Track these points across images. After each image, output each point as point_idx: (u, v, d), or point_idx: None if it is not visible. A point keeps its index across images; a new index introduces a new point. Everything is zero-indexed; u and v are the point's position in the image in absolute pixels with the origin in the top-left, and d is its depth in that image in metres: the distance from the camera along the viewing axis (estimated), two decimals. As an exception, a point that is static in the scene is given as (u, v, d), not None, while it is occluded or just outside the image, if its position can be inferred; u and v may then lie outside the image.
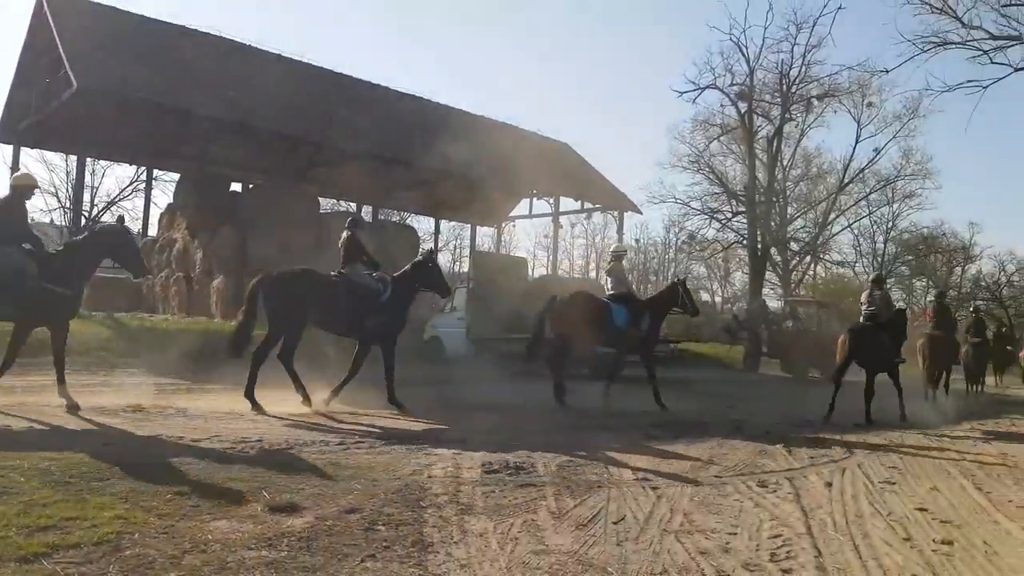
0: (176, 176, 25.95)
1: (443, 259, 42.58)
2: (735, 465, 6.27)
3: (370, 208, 27.41)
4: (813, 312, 24.57)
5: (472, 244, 30.48)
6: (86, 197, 34.22)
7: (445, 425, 7.85)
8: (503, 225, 32.55)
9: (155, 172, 28.35)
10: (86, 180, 31.96)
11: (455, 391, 11.30)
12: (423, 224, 37.95)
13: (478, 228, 31.72)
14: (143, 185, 30.61)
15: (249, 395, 8.34)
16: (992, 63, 11.33)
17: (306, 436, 6.62)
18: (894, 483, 5.87)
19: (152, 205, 26.88)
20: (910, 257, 41.25)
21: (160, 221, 24.35)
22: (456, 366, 15.86)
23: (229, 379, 9.26)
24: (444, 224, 40.43)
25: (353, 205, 27.74)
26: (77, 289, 8.07)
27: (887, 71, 12.74)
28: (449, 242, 44.69)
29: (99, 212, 36.29)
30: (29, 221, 8.46)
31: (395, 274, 9.53)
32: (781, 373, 23.36)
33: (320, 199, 25.76)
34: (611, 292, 11.15)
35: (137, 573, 3.18)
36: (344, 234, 9.56)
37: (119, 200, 36.90)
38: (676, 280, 12.15)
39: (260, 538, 3.67)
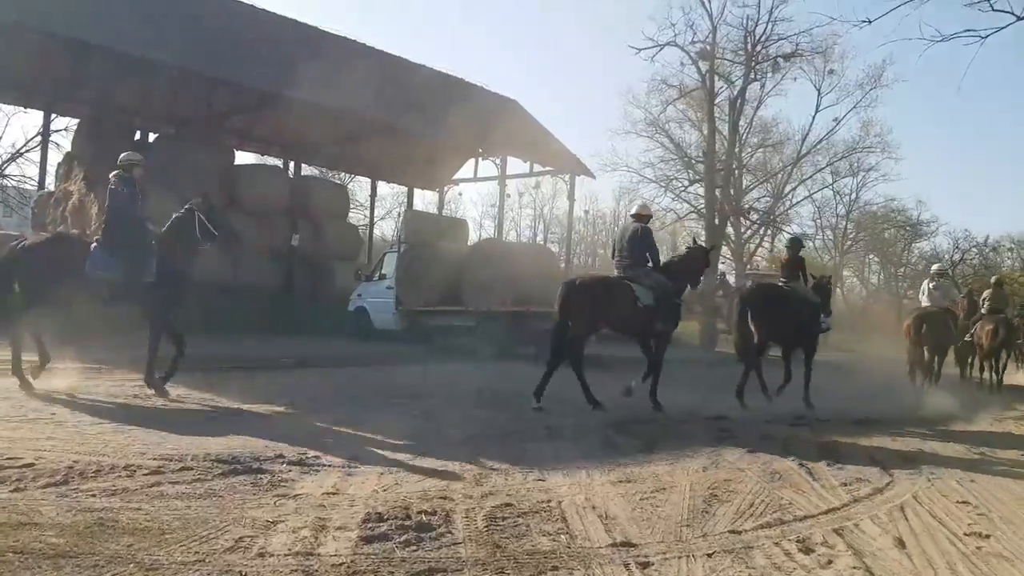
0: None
1: (386, 227, 40.04)
2: (751, 506, 4.27)
3: (292, 164, 24.65)
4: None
5: (409, 207, 28.00)
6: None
7: (341, 427, 5.73)
8: (446, 189, 30.13)
9: (58, 120, 25.11)
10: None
11: (373, 375, 9.14)
12: (361, 187, 35.42)
13: (421, 193, 29.25)
14: (53, 134, 27.38)
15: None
16: (993, 10, 9.79)
17: (99, 456, 4.36)
18: (987, 535, 3.96)
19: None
20: (863, 234, 40.49)
21: (57, 172, 21.44)
22: (383, 343, 13.69)
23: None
24: (385, 188, 37.83)
25: (278, 160, 24.93)
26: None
27: (869, 21, 10.87)
28: (392, 209, 42.05)
29: (3, 163, 32.62)
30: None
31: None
32: (738, 351, 21.96)
33: (237, 152, 23.05)
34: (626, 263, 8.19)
35: None
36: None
37: (25, 151, 33.17)
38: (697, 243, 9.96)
39: None
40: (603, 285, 7.98)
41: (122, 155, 7.78)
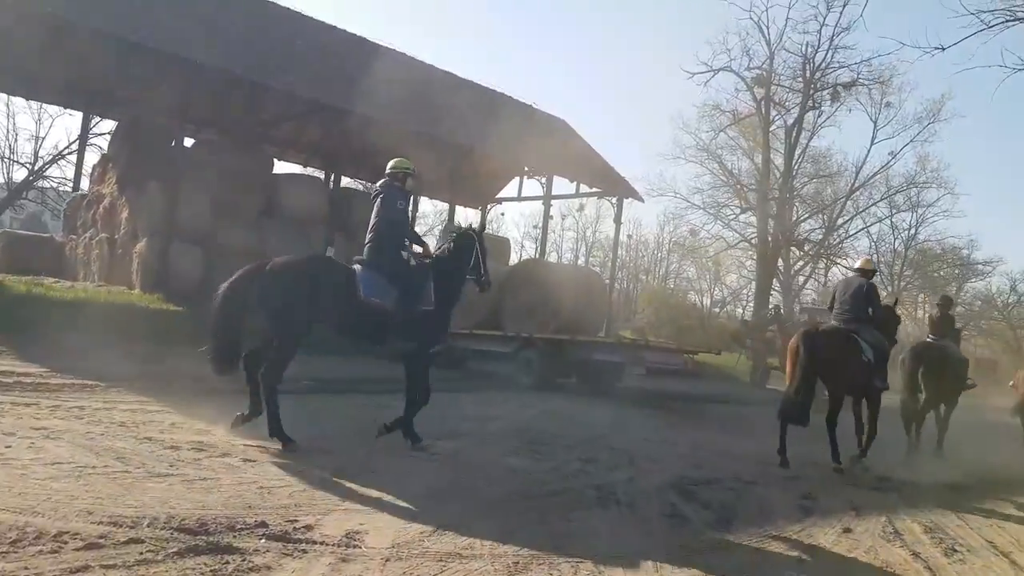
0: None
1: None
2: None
3: (332, 176, 24.04)
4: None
5: (450, 223, 27.17)
6: (28, 148, 30.70)
7: (345, 480, 4.72)
8: (489, 207, 29.30)
9: (102, 124, 24.98)
10: (31, 129, 28.42)
11: (396, 405, 8.14)
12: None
13: (463, 211, 28.48)
14: (94, 137, 27.36)
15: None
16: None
17: (30, 515, 3.38)
18: None
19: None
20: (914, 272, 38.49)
21: (92, 174, 21.12)
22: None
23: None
24: (428, 206, 37.19)
25: (320, 172, 24.36)
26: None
27: (942, 48, 9.87)
28: (434, 227, 41.39)
29: (44, 165, 32.81)
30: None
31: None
32: (792, 390, 20.57)
33: (279, 161, 22.55)
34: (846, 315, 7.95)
35: None
36: None
37: (68, 153, 33.32)
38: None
39: None
40: (844, 336, 7.66)
41: (393, 161, 6.63)
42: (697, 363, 17.25)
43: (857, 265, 8.64)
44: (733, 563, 3.93)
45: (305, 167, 25.11)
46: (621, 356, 12.79)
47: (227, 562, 3.10)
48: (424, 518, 4.04)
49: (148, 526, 3.42)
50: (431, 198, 29.07)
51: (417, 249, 6.56)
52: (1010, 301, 38.12)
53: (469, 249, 6.48)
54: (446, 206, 27.98)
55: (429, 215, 40.11)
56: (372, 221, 6.35)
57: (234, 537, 3.40)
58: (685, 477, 6.27)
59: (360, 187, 26.09)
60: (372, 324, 6.04)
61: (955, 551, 4.78)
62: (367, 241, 6.36)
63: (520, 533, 3.95)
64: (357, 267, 6.15)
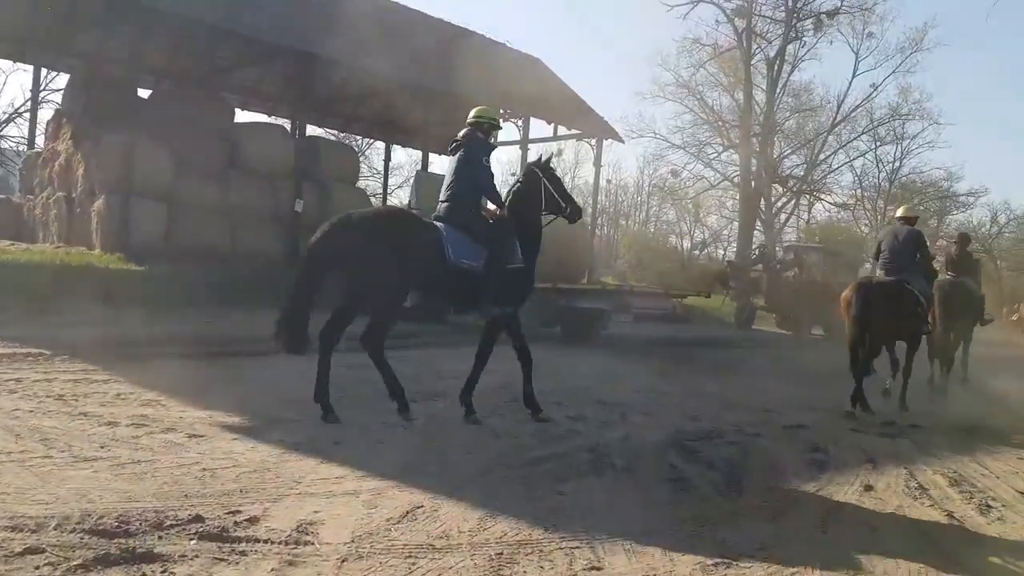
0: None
1: (403, 196, 38.34)
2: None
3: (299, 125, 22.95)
4: (818, 260, 21.41)
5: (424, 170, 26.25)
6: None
7: (306, 454, 4.14)
8: (465, 153, 28.35)
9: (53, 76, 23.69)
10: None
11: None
12: (378, 154, 33.81)
13: (439, 159, 27.41)
14: (52, 93, 26.02)
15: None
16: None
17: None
18: None
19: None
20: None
21: (47, 130, 19.99)
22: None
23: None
24: (402, 156, 36.16)
25: (286, 121, 23.26)
26: None
27: None
28: (409, 177, 40.27)
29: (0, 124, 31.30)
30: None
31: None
32: (778, 330, 20.35)
33: (243, 110, 21.51)
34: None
35: None
36: None
37: (24, 111, 31.78)
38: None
39: None
40: (896, 287, 7.59)
41: (477, 109, 5.96)
42: (685, 307, 16.81)
43: (899, 213, 8.49)
44: (750, 538, 3.42)
45: (270, 116, 24.01)
46: (607, 303, 12.27)
47: (143, 575, 2.52)
48: (393, 500, 3.47)
49: (55, 528, 2.82)
50: (404, 146, 28.08)
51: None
52: (992, 232, 38.04)
53: (536, 188, 5.85)
54: (419, 154, 26.93)
55: (405, 166, 39.00)
56: (449, 178, 5.71)
57: (159, 538, 2.81)
58: (683, 432, 5.78)
59: (330, 136, 25.05)
60: (462, 289, 5.50)
61: (990, 507, 4.33)
62: (444, 199, 5.71)
63: (505, 513, 3.40)
64: (440, 226, 5.49)
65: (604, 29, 64.49)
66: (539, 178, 5.89)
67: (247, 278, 14.76)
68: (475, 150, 5.68)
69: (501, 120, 23.04)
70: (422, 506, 3.39)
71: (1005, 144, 55.98)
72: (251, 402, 5.21)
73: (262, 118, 23.17)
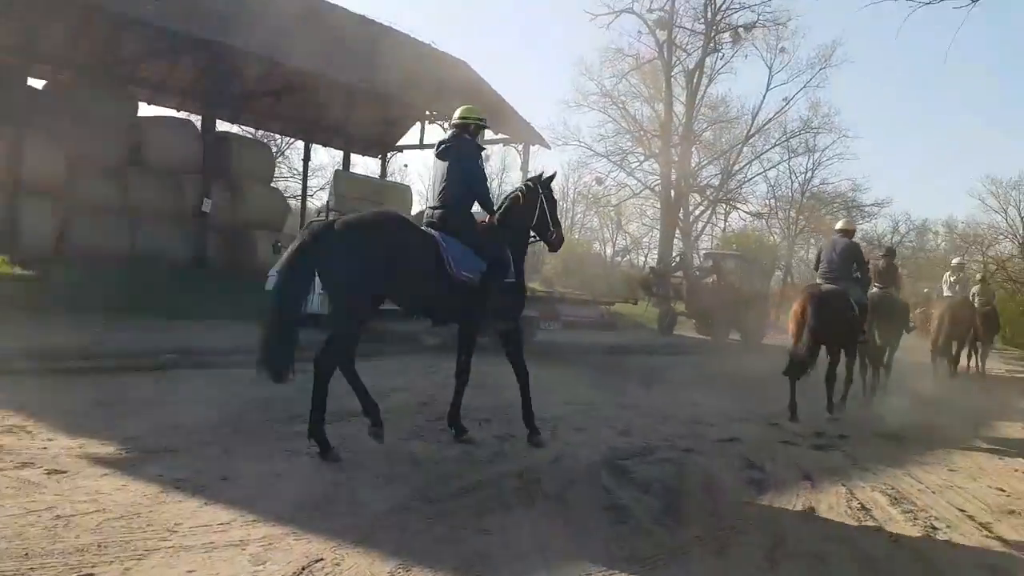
0: None
1: (324, 198, 37.16)
2: None
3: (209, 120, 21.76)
4: (735, 267, 21.77)
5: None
6: None
7: (186, 493, 3.56)
8: (389, 156, 27.58)
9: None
10: None
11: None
12: (298, 153, 32.64)
13: (363, 162, 26.64)
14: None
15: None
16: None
17: None
18: None
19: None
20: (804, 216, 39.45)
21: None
22: (307, 330, 11.41)
23: None
24: (324, 157, 35.05)
25: (197, 117, 22.00)
26: None
27: None
28: (331, 179, 39.12)
29: None
30: None
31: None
32: (698, 335, 20.50)
33: (150, 105, 20.27)
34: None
35: None
36: None
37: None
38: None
39: None
40: (844, 294, 7.91)
41: (462, 109, 5.47)
42: (612, 314, 16.66)
43: (839, 226, 8.87)
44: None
45: (179, 111, 22.75)
46: (535, 310, 11.91)
47: None
48: (286, 553, 2.93)
49: None
50: (324, 145, 27.14)
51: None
52: (894, 241, 39.75)
53: (532, 204, 5.53)
54: (340, 154, 26.04)
55: (327, 167, 37.81)
56: (441, 183, 5.22)
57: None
58: (615, 449, 5.45)
59: (242, 132, 23.88)
60: (456, 304, 5.03)
61: (934, 528, 4.13)
62: (436, 205, 5.24)
63: (422, 563, 2.92)
64: (436, 234, 4.98)
65: (530, 35, 64.59)
66: (538, 195, 5.59)
67: (148, 283, 13.74)
68: (467, 152, 5.28)
69: (428, 122, 22.44)
70: (321, 559, 2.87)
71: (909, 157, 58.81)
72: (132, 428, 4.55)
73: (171, 113, 21.94)
